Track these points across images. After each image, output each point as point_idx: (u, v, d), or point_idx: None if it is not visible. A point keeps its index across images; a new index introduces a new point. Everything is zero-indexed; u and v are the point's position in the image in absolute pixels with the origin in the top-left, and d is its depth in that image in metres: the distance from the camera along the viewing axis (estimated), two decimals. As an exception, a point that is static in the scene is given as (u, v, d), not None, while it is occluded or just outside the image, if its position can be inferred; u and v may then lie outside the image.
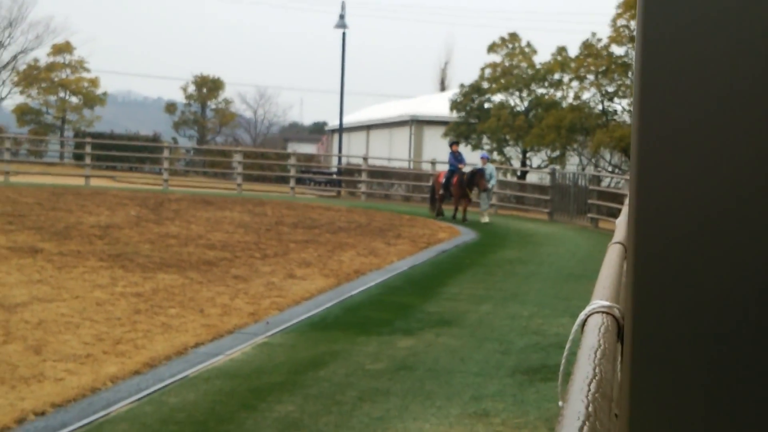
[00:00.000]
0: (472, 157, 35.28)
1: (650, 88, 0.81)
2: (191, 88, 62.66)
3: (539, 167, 36.79)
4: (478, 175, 25.21)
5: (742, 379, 0.81)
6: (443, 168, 29.47)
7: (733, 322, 0.81)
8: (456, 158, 26.26)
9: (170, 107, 63.40)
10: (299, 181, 40.88)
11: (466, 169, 26.28)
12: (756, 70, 0.82)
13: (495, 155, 36.58)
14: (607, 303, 1.85)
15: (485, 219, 25.63)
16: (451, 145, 27.44)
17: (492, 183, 26.12)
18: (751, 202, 0.80)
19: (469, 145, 37.69)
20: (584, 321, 1.91)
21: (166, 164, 36.85)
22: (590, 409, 1.27)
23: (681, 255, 0.81)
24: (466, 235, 21.99)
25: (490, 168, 26.30)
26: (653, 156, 0.78)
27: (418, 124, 46.56)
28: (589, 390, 1.35)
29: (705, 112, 0.84)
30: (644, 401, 0.81)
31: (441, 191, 26.17)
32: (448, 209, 26.78)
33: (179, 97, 64.48)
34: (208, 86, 62.45)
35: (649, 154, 0.78)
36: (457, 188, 25.43)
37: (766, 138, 0.82)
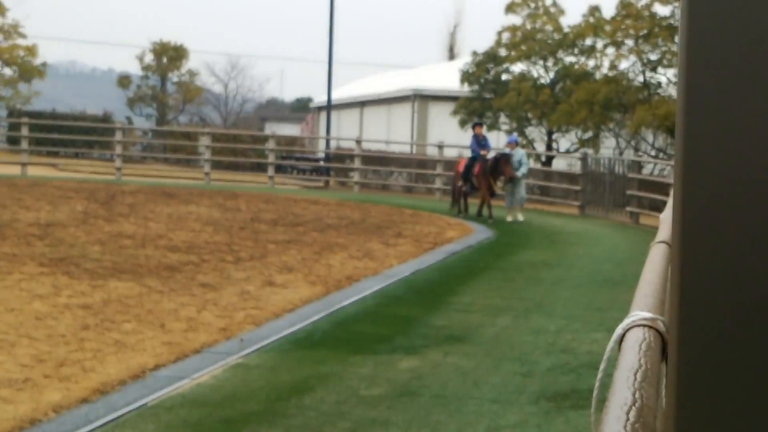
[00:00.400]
0: (495, 142, 35.37)
1: (699, 58, 0.81)
2: (149, 58, 62.63)
3: (568, 151, 36.87)
4: (502, 161, 24.89)
5: None
6: (450, 152, 29.48)
7: None
8: (479, 143, 25.78)
9: (123, 81, 63.38)
10: (279, 169, 40.92)
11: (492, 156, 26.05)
12: None
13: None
14: (649, 314, 1.86)
15: (512, 217, 25.34)
16: (473, 127, 27.16)
17: (522, 172, 25.51)
18: None
19: (483, 125, 37.71)
20: (622, 336, 1.92)
21: (119, 149, 36.83)
22: (632, 413, 1.27)
23: (736, 256, 0.81)
24: (480, 234, 22.01)
25: (519, 153, 25.86)
26: (703, 139, 0.79)
27: (422, 99, 46.60)
28: (628, 419, 1.36)
29: (766, 86, 0.84)
30: None
31: (461, 183, 25.96)
32: (475, 204, 26.50)
33: (134, 69, 64.52)
34: (168, 55, 62.42)
35: (698, 137, 0.79)
36: (481, 179, 25.10)
37: None
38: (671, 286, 0.83)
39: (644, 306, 2.11)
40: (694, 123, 0.80)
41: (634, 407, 1.41)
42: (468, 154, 27.37)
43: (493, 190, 25.20)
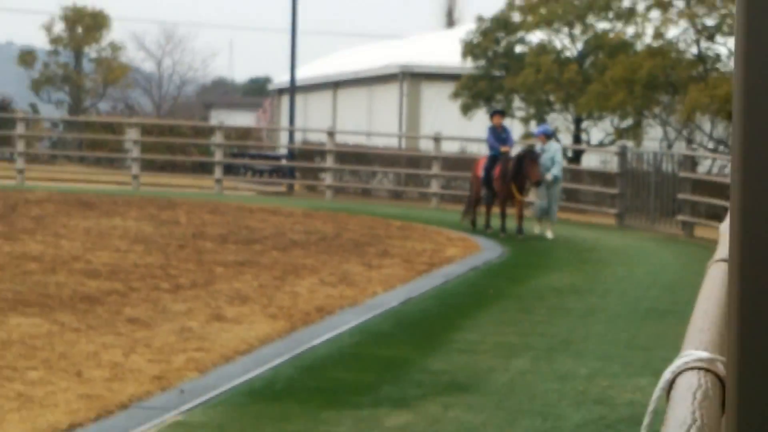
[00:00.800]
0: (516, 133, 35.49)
1: (762, 27, 0.82)
2: (59, 28, 62.45)
3: (601, 144, 36.98)
4: (527, 160, 24.13)
5: None
6: (450, 147, 29.36)
7: None
8: (498, 137, 25.08)
9: (26, 57, 63.11)
10: (230, 169, 40.86)
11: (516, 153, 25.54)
12: None
13: (533, 126, 36.59)
14: (705, 354, 1.87)
15: (540, 230, 25.13)
16: (491, 116, 26.57)
17: (554, 173, 24.72)
18: None
19: (504, 113, 37.65)
20: (671, 382, 1.93)
21: (21, 146, 36.73)
22: None
23: None
24: (489, 251, 22.03)
25: (552, 149, 25.11)
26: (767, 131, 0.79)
27: (413, 79, 46.64)
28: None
29: None
30: None
31: (482, 190, 25.42)
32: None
33: (40, 42, 63.96)
34: (85, 24, 62.23)
35: (762, 128, 0.79)
36: (500, 183, 24.42)
37: None
38: (730, 316, 0.84)
39: (699, 343, 2.12)
40: (757, 110, 0.81)
41: (691, 429, 1.42)
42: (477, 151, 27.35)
43: (514, 199, 24.42)
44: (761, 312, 0.81)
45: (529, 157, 24.25)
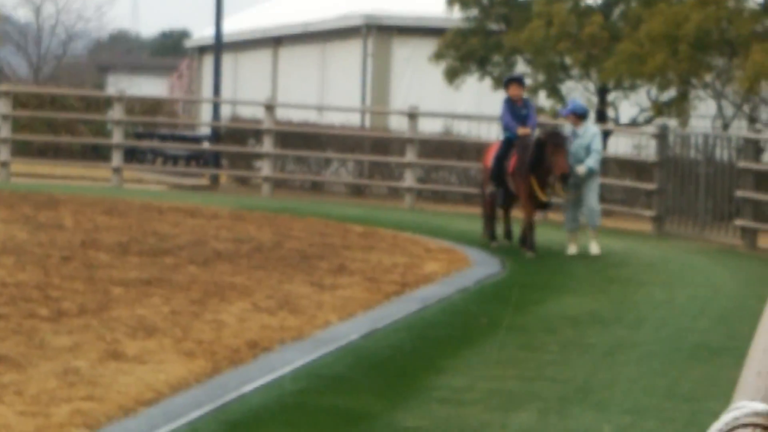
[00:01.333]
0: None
1: None
2: None
3: (634, 123, 37.12)
4: (550, 145, 23.26)
5: None
6: (431, 125, 29.23)
7: None
8: (516, 113, 24.30)
9: None
10: (133, 155, 40.73)
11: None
12: None
13: (543, 99, 36.65)
14: (763, 407, 1.88)
15: (576, 247, 23.91)
16: (506, 84, 25.68)
17: (589, 165, 23.88)
18: None
19: (487, 77, 37.84)
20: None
21: None
22: None
23: None
24: (482, 266, 22.09)
25: (589, 133, 24.27)
26: None
27: (381, 33, 46.65)
28: None
29: None
30: None
31: (491, 188, 24.54)
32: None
33: None
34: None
35: None
36: (517, 177, 23.66)
37: None
38: None
39: (757, 392, 2.13)
40: None
41: None
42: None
43: (538, 199, 23.63)
44: None
45: (553, 141, 23.31)
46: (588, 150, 23.80)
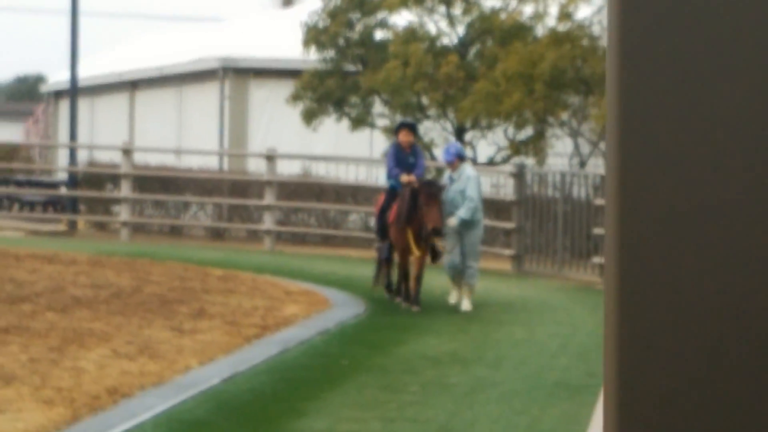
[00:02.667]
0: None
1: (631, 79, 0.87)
2: None
3: (492, 162, 37.30)
4: (423, 196, 22.19)
5: None
6: (288, 167, 29.15)
7: None
8: (402, 160, 23.21)
9: None
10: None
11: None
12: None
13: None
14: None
15: (455, 298, 22.66)
16: (396, 131, 24.48)
17: (461, 216, 22.29)
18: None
19: (344, 117, 37.91)
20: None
21: None
22: None
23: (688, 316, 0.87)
24: (342, 307, 22.11)
25: (463, 177, 22.81)
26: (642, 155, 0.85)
27: (238, 75, 46.66)
28: None
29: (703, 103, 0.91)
30: None
31: (378, 243, 23.77)
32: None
33: None
34: None
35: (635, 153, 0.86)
36: (396, 229, 22.61)
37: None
38: (604, 378, 0.90)
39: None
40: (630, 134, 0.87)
41: None
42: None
43: (424, 251, 22.47)
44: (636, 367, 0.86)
45: (426, 191, 22.16)
46: (463, 196, 22.35)
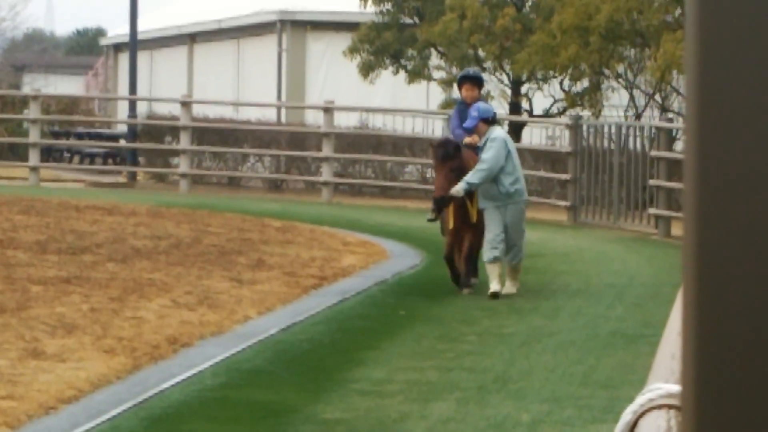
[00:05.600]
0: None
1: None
2: None
3: (548, 114, 37.18)
4: (435, 157, 19.94)
5: None
6: (347, 119, 28.94)
7: None
8: (465, 119, 19.90)
9: None
10: (50, 154, 40.45)
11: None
12: None
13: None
14: (677, 388, 1.88)
15: (496, 286, 18.71)
16: (459, 84, 21.74)
17: (468, 181, 18.69)
18: None
19: (401, 70, 37.88)
20: (633, 425, 1.94)
21: None
22: None
23: None
24: (400, 258, 22.06)
25: (489, 137, 19.21)
26: (725, 134, 0.82)
27: (297, 29, 46.61)
28: None
29: None
30: None
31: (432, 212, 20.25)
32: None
33: None
34: None
35: (718, 132, 0.81)
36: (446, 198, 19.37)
37: None
38: (682, 337, 0.85)
39: (671, 374, 2.13)
40: (713, 112, 0.83)
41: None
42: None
43: (452, 224, 19.31)
44: (717, 330, 0.82)
45: (438, 154, 19.69)
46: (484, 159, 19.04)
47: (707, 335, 0.81)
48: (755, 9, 0.85)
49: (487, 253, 18.64)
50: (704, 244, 0.82)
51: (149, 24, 52.34)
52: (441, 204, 18.76)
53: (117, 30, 57.65)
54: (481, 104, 19.21)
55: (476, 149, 18.49)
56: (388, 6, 38.26)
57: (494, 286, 18.12)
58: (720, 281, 0.81)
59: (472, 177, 18.05)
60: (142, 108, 44.18)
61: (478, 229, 18.42)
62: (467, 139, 18.97)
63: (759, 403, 0.83)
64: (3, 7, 75.75)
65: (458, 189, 18.21)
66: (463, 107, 19.90)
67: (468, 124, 18.98)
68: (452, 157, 18.58)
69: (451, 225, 19.01)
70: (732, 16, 0.85)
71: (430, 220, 19.96)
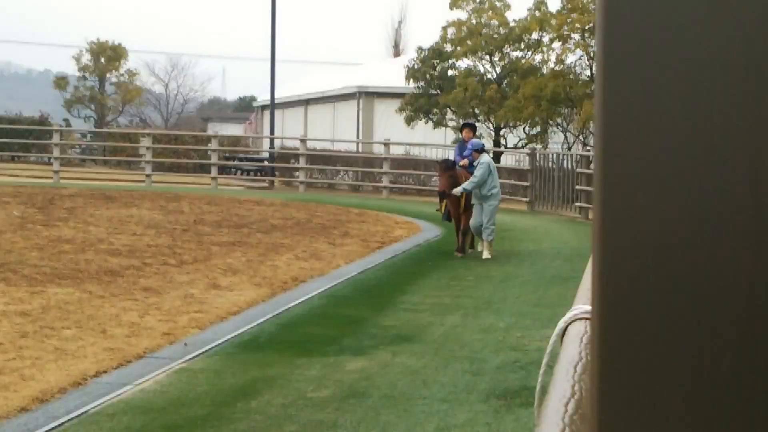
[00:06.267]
0: (442, 138, 35.84)
1: (616, 51, 0.83)
2: (86, 58, 62.02)
3: (516, 147, 37.06)
4: (439, 167, 18.95)
5: (718, 387, 0.83)
6: (396, 150, 29.19)
7: (708, 327, 0.84)
8: (461, 150, 19.49)
9: (60, 82, 62.71)
10: (223, 169, 40.70)
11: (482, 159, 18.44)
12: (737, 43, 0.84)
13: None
14: (589, 308, 1.87)
15: (486, 254, 18.04)
16: (462, 128, 20.94)
17: (464, 187, 17.70)
18: (728, 197, 0.83)
19: (429, 121, 37.99)
20: (564, 330, 1.93)
21: (56, 152, 36.57)
22: (570, 405, 1.27)
23: (651, 249, 0.83)
24: (428, 232, 22.07)
25: (479, 162, 18.04)
26: (620, 142, 0.82)
27: (368, 96, 46.66)
28: (566, 411, 1.37)
29: (681, 94, 0.87)
30: (613, 416, 0.82)
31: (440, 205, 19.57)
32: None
33: (71, 69, 63.58)
34: (107, 55, 61.86)
35: (616, 139, 0.82)
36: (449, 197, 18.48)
37: (747, 126, 0.84)
38: (592, 273, 0.86)
39: (586, 300, 2.12)
40: (612, 127, 0.83)
41: (572, 399, 1.42)
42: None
43: (461, 209, 18.27)
44: (612, 268, 0.82)
45: (441, 166, 18.84)
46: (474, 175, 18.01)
47: (606, 276, 0.82)
48: (644, 84, 0.85)
49: (473, 229, 17.98)
50: (603, 223, 0.83)
51: (281, 93, 52.51)
52: (442, 196, 18.46)
53: (263, 97, 57.76)
54: (474, 140, 18.82)
55: (469, 168, 17.97)
56: (422, 83, 38.37)
57: (485, 251, 17.87)
58: (613, 245, 0.82)
59: (467, 184, 17.53)
60: (277, 143, 44.32)
61: (467, 216, 17.94)
62: (461, 162, 18.38)
63: (642, 315, 0.83)
64: (196, 84, 75.99)
65: (457, 190, 17.70)
66: (462, 143, 19.46)
67: (466, 153, 18.56)
68: (450, 168, 18.13)
69: (450, 212, 18.37)
70: (622, 87, 0.84)
71: (437, 210, 19.64)
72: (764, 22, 0.79)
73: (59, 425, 7.72)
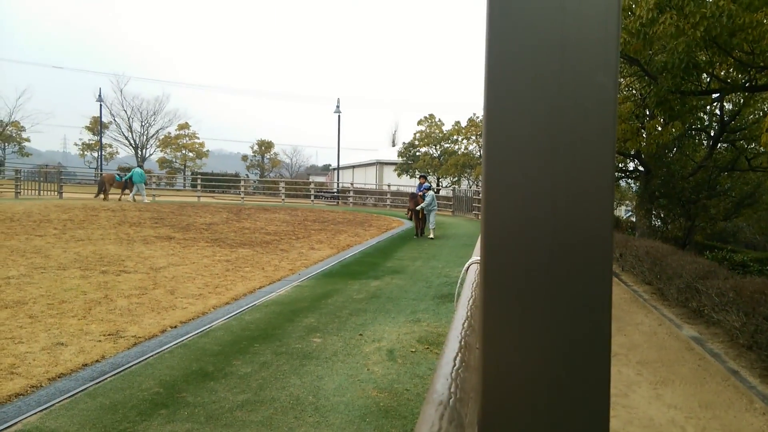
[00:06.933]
0: (410, 186, 35.34)
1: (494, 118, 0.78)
2: (255, 147, 62.02)
3: (447, 187, 36.79)
4: (411, 199, 18.33)
5: (557, 305, 0.77)
6: (394, 188, 28.74)
7: (552, 268, 0.78)
8: (419, 188, 18.94)
9: (244, 158, 62.71)
10: (316, 197, 40.46)
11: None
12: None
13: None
14: (479, 257, 1.85)
15: (431, 235, 17.56)
16: (420, 177, 19.67)
17: (422, 206, 17.65)
18: (542, 196, 0.77)
19: (408, 175, 37.69)
20: (467, 268, 1.92)
21: (242, 189, 36.38)
22: (465, 324, 1.27)
23: (510, 227, 0.79)
24: (407, 225, 21.90)
25: (427, 195, 17.85)
26: (493, 181, 0.78)
27: (381, 164, 46.41)
28: (468, 307, 1.36)
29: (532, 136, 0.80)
30: (492, 332, 0.77)
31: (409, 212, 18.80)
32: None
33: (249, 152, 63.72)
34: (265, 145, 61.81)
35: (491, 180, 0.78)
36: (414, 207, 18.27)
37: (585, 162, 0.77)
38: (480, 242, 0.82)
39: (477, 254, 2.09)
40: (491, 162, 0.79)
41: (469, 301, 1.42)
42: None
43: (419, 214, 17.98)
44: (492, 236, 0.78)
45: (411, 196, 18.41)
46: (426, 202, 17.85)
47: (486, 242, 0.79)
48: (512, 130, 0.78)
49: (430, 228, 17.59)
50: (486, 217, 0.80)
51: (342, 162, 52.22)
52: (410, 210, 17.83)
53: (335, 163, 57.40)
54: (425, 184, 18.59)
55: (423, 197, 17.85)
56: (405, 158, 38.07)
57: (431, 235, 17.44)
58: (490, 227, 0.79)
59: (423, 204, 17.36)
60: (341, 185, 43.97)
61: (423, 219, 17.66)
62: (419, 194, 17.99)
63: (508, 262, 0.79)
64: (304, 158, 75.04)
65: (419, 208, 17.42)
66: (420, 185, 18.75)
67: (419, 190, 18.32)
68: (414, 197, 17.90)
69: (412, 216, 17.83)
70: (494, 158, 0.80)
71: (407, 216, 19.41)
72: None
73: (243, 310, 7.70)
